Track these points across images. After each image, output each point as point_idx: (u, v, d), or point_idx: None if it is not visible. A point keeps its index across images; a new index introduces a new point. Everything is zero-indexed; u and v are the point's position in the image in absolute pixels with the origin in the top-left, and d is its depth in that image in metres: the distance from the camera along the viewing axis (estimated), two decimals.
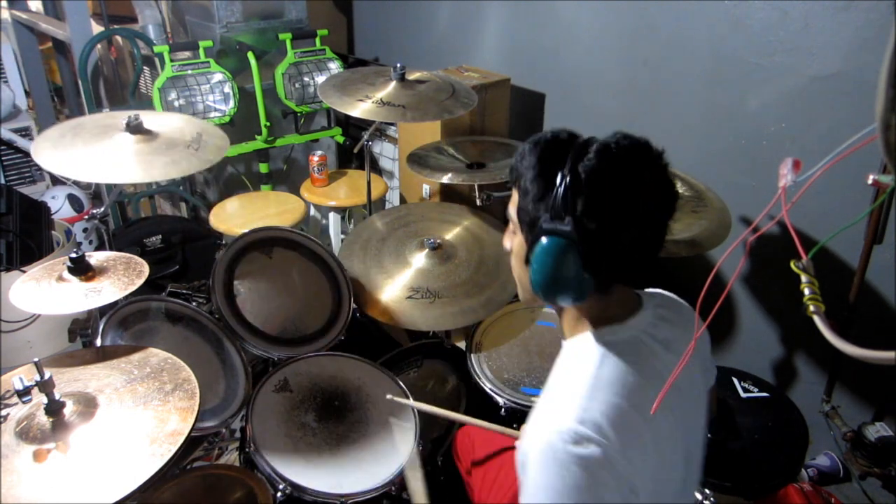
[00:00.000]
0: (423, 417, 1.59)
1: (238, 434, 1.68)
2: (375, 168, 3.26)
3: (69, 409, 1.10)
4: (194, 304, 1.77)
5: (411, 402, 1.55)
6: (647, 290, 1.05)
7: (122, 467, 1.02)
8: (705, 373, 1.09)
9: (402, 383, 1.66)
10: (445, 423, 1.82)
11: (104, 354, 1.29)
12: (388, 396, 1.56)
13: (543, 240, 0.85)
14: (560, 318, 1.01)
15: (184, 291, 1.93)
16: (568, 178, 0.83)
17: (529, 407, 1.60)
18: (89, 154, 1.62)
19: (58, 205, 3.06)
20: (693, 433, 1.01)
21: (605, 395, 0.86)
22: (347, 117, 3.23)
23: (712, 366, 1.16)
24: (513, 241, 0.98)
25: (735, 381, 1.71)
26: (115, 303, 1.39)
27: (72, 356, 1.28)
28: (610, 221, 0.84)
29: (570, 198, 0.83)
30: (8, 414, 1.11)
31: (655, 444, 0.88)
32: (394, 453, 1.49)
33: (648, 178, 0.87)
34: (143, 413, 1.12)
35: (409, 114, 1.95)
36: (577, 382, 0.88)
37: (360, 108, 1.95)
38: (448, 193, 2.57)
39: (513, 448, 1.41)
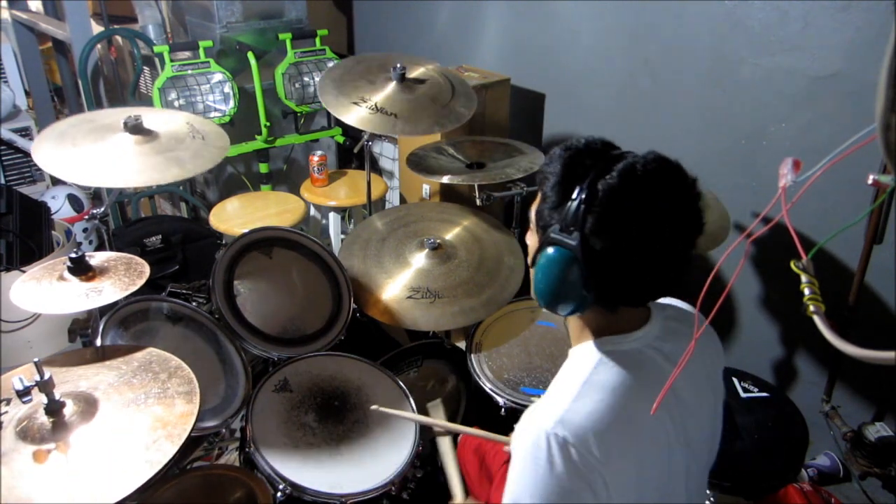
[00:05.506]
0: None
1: (238, 434, 1.68)
2: (375, 168, 3.26)
3: (69, 409, 1.10)
4: (194, 304, 1.77)
5: (403, 413, 1.54)
6: (659, 300, 1.04)
7: (122, 467, 1.02)
8: (713, 383, 1.04)
9: (402, 383, 1.66)
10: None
11: (104, 354, 1.29)
12: (373, 408, 1.53)
13: (549, 249, 0.85)
14: (567, 325, 1.00)
15: (184, 291, 1.93)
16: (584, 194, 0.82)
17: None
18: (93, 158, 1.62)
19: (58, 205, 3.06)
20: (697, 442, 1.00)
21: (595, 397, 0.86)
22: None
23: (721, 385, 1.09)
24: (530, 240, 0.98)
25: (735, 381, 1.71)
26: (115, 303, 1.39)
27: (71, 356, 1.28)
28: (617, 244, 0.82)
29: (581, 213, 0.82)
30: (6, 411, 1.11)
31: (644, 449, 0.88)
32: (394, 453, 1.49)
33: (669, 205, 0.84)
34: (143, 413, 1.13)
35: (399, 125, 1.95)
36: (569, 385, 0.88)
37: (353, 114, 1.95)
38: (448, 193, 2.57)
39: None
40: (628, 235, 0.82)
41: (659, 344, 0.94)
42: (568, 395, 0.86)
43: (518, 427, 0.88)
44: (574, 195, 0.83)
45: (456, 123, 2.02)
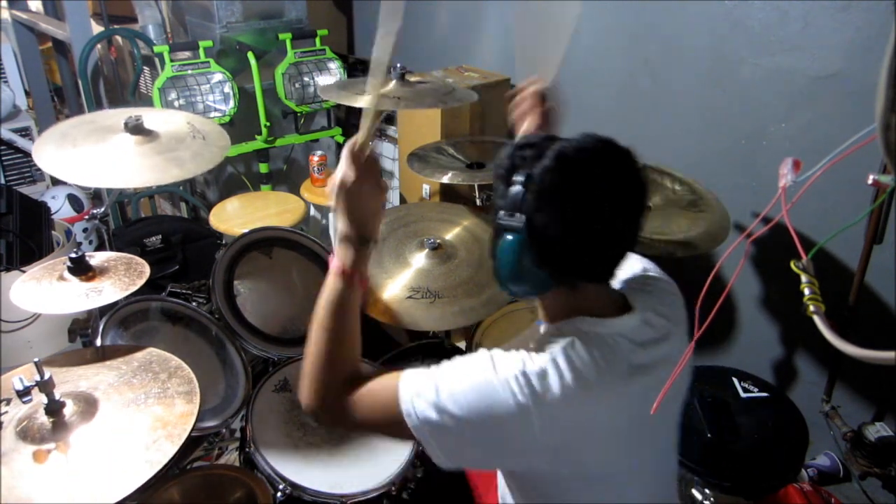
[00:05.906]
0: None
1: (238, 434, 1.68)
2: None
3: (69, 409, 1.10)
4: (194, 304, 1.77)
5: None
6: (640, 276, 1.05)
7: (122, 467, 1.02)
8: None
9: None
10: None
11: (104, 354, 1.29)
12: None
13: (498, 234, 0.90)
14: (539, 309, 1.03)
15: (184, 291, 1.93)
16: (522, 177, 0.87)
17: None
18: (94, 158, 1.62)
19: (58, 205, 3.06)
20: (667, 414, 1.03)
21: (562, 366, 0.88)
22: (347, 117, 3.23)
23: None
24: None
25: (735, 381, 1.71)
26: (116, 303, 1.39)
27: (71, 356, 1.28)
28: (559, 220, 0.86)
29: (521, 195, 0.87)
30: (6, 411, 1.11)
31: (610, 424, 0.91)
32: (394, 453, 1.49)
33: (605, 182, 0.87)
34: (143, 413, 1.13)
35: (402, 102, 1.96)
36: (545, 354, 0.90)
37: (356, 100, 1.95)
38: (448, 193, 2.57)
39: None
40: (566, 211, 0.86)
41: (633, 335, 0.95)
42: (543, 360, 0.88)
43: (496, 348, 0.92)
44: (515, 180, 0.89)
45: (457, 102, 2.03)
